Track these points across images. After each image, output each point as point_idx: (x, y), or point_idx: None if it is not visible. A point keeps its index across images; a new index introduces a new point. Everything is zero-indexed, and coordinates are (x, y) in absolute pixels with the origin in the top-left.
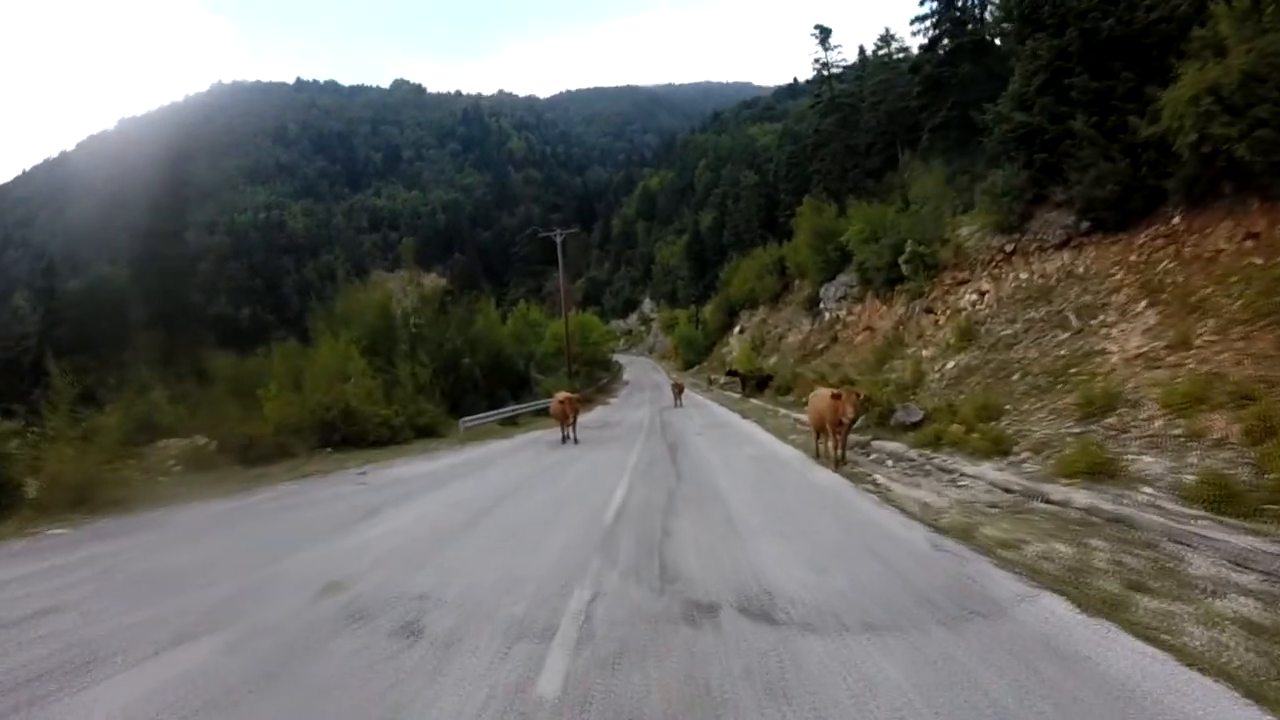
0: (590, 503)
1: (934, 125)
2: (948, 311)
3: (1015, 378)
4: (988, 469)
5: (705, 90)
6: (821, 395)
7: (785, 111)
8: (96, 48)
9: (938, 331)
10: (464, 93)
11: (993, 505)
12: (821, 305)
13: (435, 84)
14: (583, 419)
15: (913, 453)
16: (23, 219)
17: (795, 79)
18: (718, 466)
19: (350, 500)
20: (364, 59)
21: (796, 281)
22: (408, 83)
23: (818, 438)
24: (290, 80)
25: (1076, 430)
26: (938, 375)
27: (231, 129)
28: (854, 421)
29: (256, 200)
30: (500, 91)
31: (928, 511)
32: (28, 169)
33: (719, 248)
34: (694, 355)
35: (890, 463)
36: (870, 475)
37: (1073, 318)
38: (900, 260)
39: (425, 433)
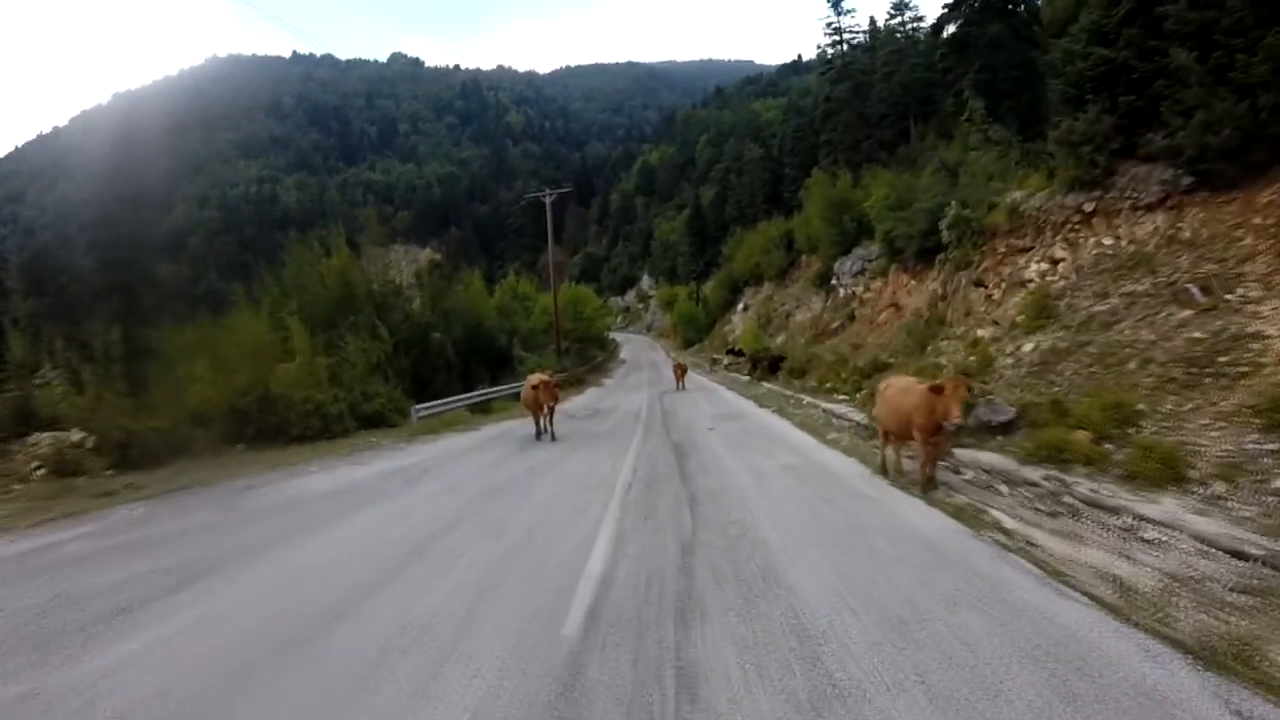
0: (547, 575)
1: (959, 89)
2: (1002, 284)
3: (1131, 366)
4: (1177, 510)
5: (707, 68)
6: (907, 388)
7: (789, 88)
8: (92, 22)
9: (994, 307)
10: (463, 67)
11: (1238, 588)
12: (835, 281)
13: (434, 59)
14: (571, 403)
15: (1029, 472)
16: (12, 194)
17: (799, 56)
18: (748, 487)
19: (183, 547)
20: (362, 33)
21: (805, 257)
22: (405, 56)
23: (886, 442)
24: (286, 54)
25: (1272, 447)
26: (1011, 361)
27: (225, 102)
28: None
29: (249, 174)
30: (499, 67)
31: (1136, 602)
32: (20, 145)
33: (721, 223)
34: (694, 334)
35: (1004, 488)
36: (984, 511)
37: (1195, 291)
38: (942, 226)
39: (373, 422)
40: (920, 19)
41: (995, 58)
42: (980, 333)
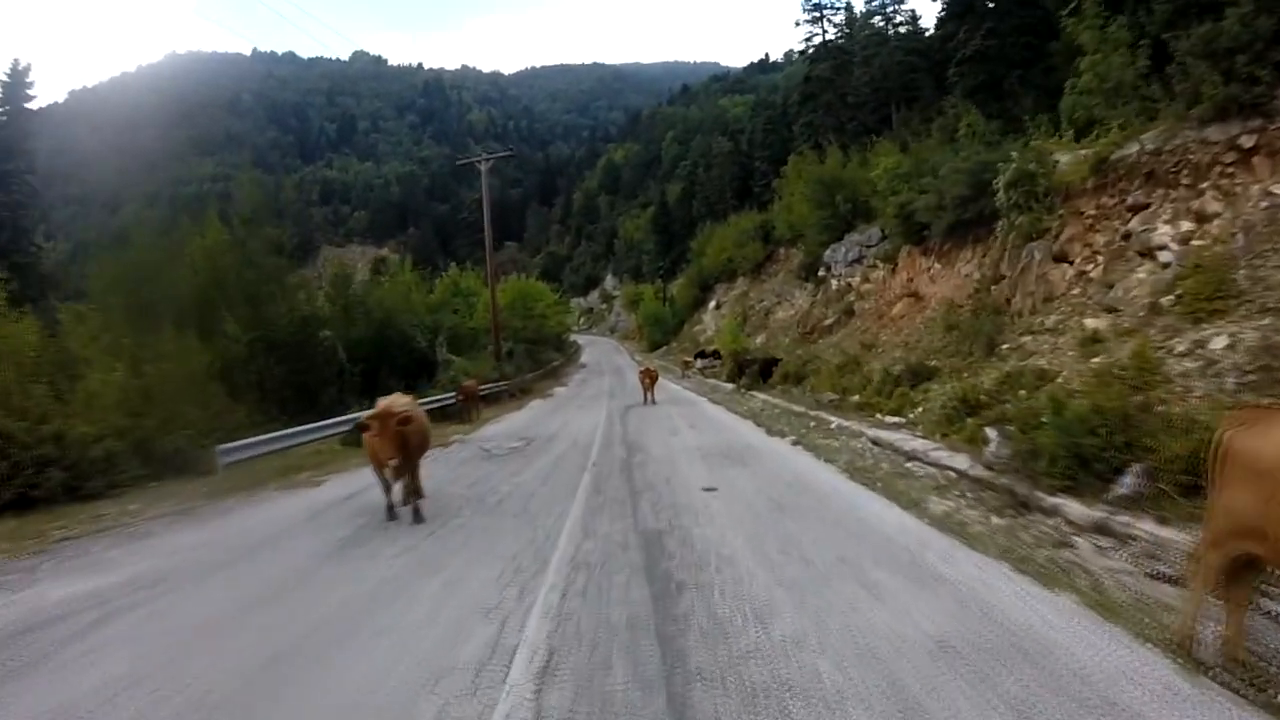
0: None
1: (963, 58)
2: (1099, 256)
3: None
4: None
5: (673, 69)
6: None
7: (757, 85)
8: (52, 19)
9: (1097, 288)
10: (427, 67)
11: None
12: (826, 271)
13: (397, 57)
14: (501, 424)
15: None
16: None
17: (767, 55)
18: None
19: None
20: (325, 31)
21: (783, 249)
22: (367, 54)
23: (1214, 583)
24: (247, 51)
25: None
26: (1195, 364)
27: (183, 99)
28: None
29: (203, 171)
30: (464, 66)
31: None
32: None
33: (687, 220)
34: (661, 335)
35: None
36: None
37: None
38: (998, 185)
39: (172, 466)
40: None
41: (1002, 23)
42: (1090, 323)
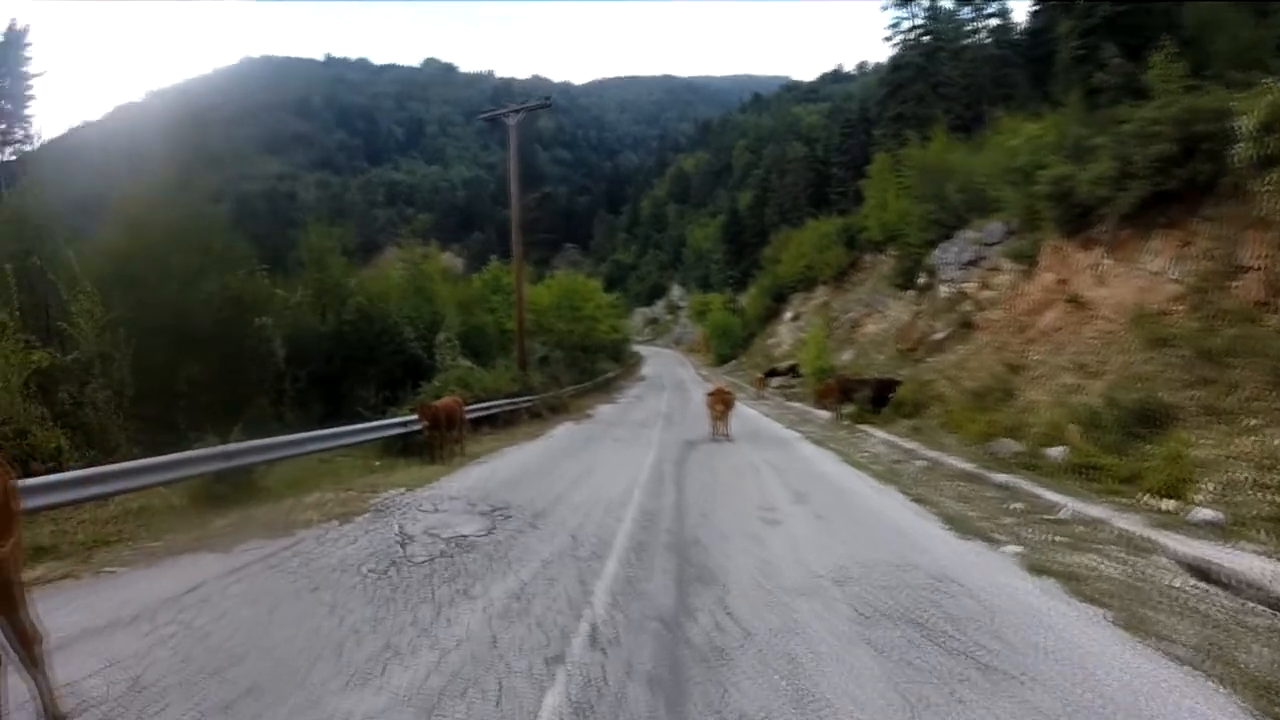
0: None
1: (1089, 28)
2: None
3: None
4: None
5: (743, 82)
6: None
7: (830, 94)
8: (133, 20)
9: None
10: (498, 75)
11: None
12: (932, 276)
13: (468, 65)
14: (489, 469)
15: None
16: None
17: (840, 66)
18: None
19: None
20: (398, 40)
21: (869, 255)
22: (439, 62)
23: None
24: (320, 58)
25: None
26: None
27: (254, 100)
28: None
29: (269, 170)
30: (534, 76)
31: None
32: (48, 139)
33: (759, 229)
34: (729, 347)
35: None
36: None
37: None
38: (1243, 131)
39: None
40: None
41: None
42: None
